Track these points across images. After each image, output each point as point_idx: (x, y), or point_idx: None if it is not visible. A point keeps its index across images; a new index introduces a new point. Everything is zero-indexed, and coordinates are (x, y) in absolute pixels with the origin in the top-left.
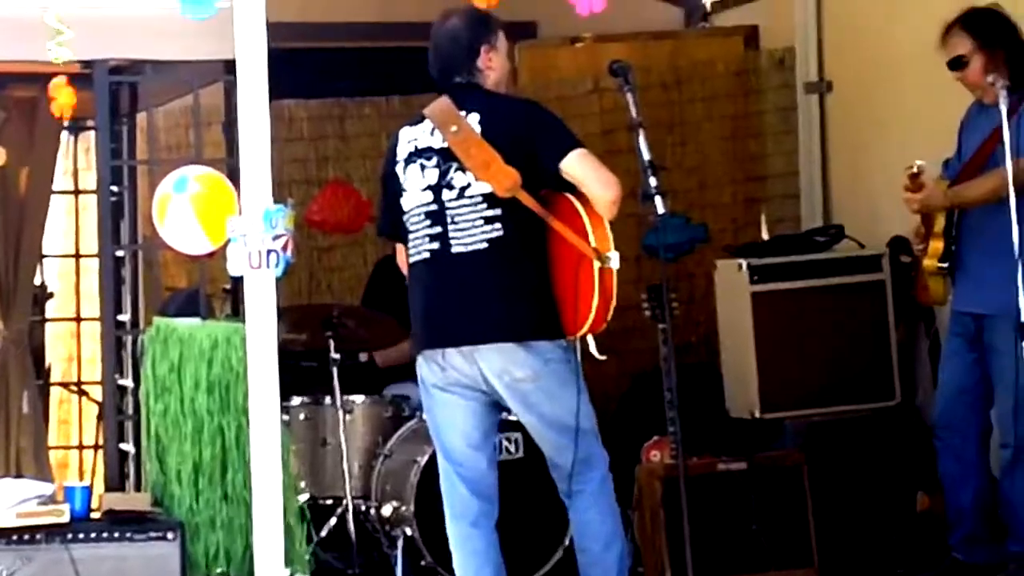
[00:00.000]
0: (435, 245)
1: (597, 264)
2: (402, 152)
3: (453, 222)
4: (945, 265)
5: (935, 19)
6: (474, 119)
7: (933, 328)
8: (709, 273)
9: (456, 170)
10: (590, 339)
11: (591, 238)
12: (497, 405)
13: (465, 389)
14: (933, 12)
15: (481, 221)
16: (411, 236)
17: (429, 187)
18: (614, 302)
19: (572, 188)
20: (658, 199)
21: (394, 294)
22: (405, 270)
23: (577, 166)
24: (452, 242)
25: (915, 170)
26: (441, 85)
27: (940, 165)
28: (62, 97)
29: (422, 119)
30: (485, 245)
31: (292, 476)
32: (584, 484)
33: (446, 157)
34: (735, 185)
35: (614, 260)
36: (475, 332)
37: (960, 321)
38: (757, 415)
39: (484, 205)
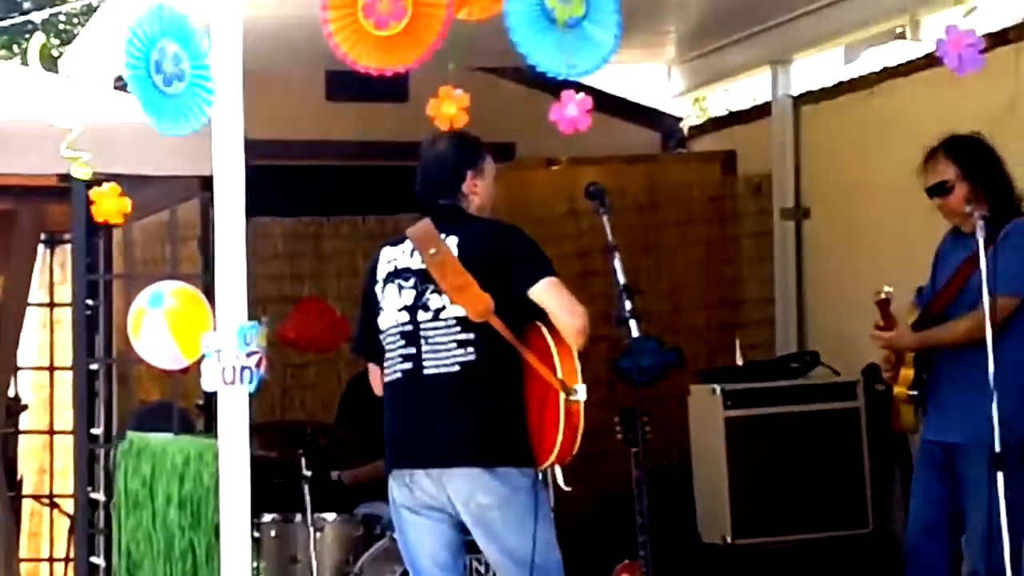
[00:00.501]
0: (408, 365)
1: (563, 396)
2: (382, 272)
3: (427, 343)
4: (915, 393)
5: (913, 146)
6: (452, 242)
7: (907, 456)
8: (682, 397)
9: (432, 292)
10: (557, 469)
11: (558, 370)
12: (465, 526)
13: (433, 511)
14: (911, 139)
15: (454, 344)
16: (387, 355)
17: (405, 307)
18: (580, 435)
19: (545, 316)
20: (632, 323)
21: (366, 412)
22: (378, 390)
23: (545, 294)
24: (425, 363)
25: (883, 296)
26: (425, 204)
27: (913, 294)
28: (107, 204)
29: (403, 239)
30: (457, 368)
31: None
32: None
33: (423, 279)
34: (710, 309)
35: (581, 393)
36: (443, 455)
37: (929, 450)
38: (729, 540)
39: (458, 328)
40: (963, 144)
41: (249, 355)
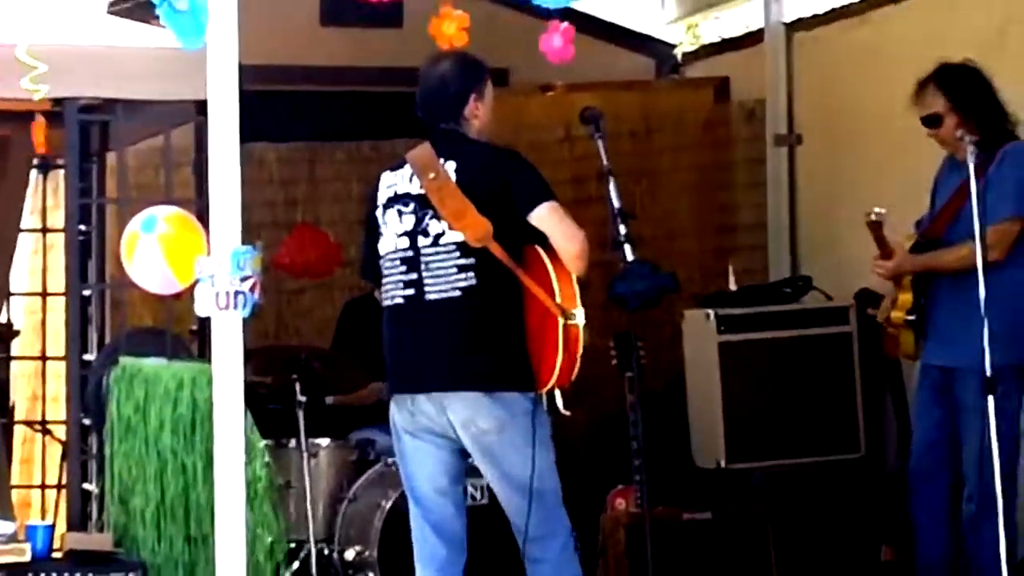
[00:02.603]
0: (409, 291)
1: (562, 320)
2: (382, 197)
3: (427, 269)
4: (912, 318)
5: (906, 72)
6: (451, 167)
7: (899, 380)
8: (676, 322)
9: (431, 217)
10: (557, 394)
11: (557, 295)
12: (466, 452)
13: (434, 436)
14: (904, 65)
15: (455, 269)
16: (386, 281)
17: (405, 233)
18: (579, 359)
19: (546, 240)
20: (627, 246)
21: (363, 337)
22: None
23: (545, 219)
24: (426, 289)
25: (873, 218)
26: (426, 127)
27: (907, 218)
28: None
29: (403, 164)
30: (458, 293)
31: (268, 513)
32: (543, 551)
33: (422, 204)
34: (703, 235)
35: (579, 317)
36: (444, 379)
37: (929, 374)
38: (723, 465)
39: (457, 254)
40: (953, 74)
41: (243, 280)
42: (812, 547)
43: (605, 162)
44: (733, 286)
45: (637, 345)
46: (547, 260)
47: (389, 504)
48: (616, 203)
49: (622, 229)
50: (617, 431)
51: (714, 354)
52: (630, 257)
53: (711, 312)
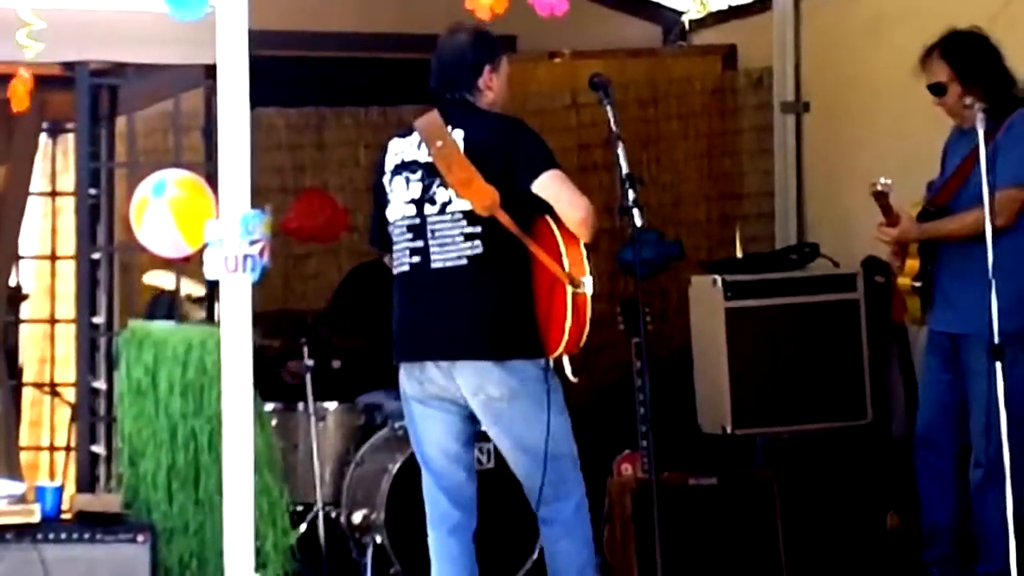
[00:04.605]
0: (416, 259)
1: (570, 288)
2: (390, 164)
3: (434, 237)
4: (919, 284)
5: (914, 40)
6: (459, 135)
7: (905, 347)
8: (682, 289)
9: (439, 185)
10: (565, 360)
11: (564, 262)
12: (475, 418)
13: (443, 402)
14: (912, 33)
15: (461, 237)
16: (394, 248)
17: (412, 200)
18: (587, 326)
19: (553, 211)
20: (635, 212)
21: (364, 303)
22: None
23: (548, 187)
24: (432, 257)
25: (879, 188)
26: (437, 96)
27: (914, 187)
28: (19, 88)
29: (411, 131)
30: (464, 262)
31: (276, 477)
32: (556, 513)
33: (430, 172)
34: (710, 203)
35: (588, 285)
36: (452, 347)
37: (936, 340)
38: (729, 431)
39: (464, 222)
40: (959, 43)
41: (252, 243)
42: (818, 513)
43: (614, 127)
44: (740, 253)
45: (644, 311)
46: (555, 229)
47: (396, 467)
48: (624, 168)
49: (630, 194)
50: (624, 397)
51: (721, 320)
52: (639, 222)
53: (718, 278)
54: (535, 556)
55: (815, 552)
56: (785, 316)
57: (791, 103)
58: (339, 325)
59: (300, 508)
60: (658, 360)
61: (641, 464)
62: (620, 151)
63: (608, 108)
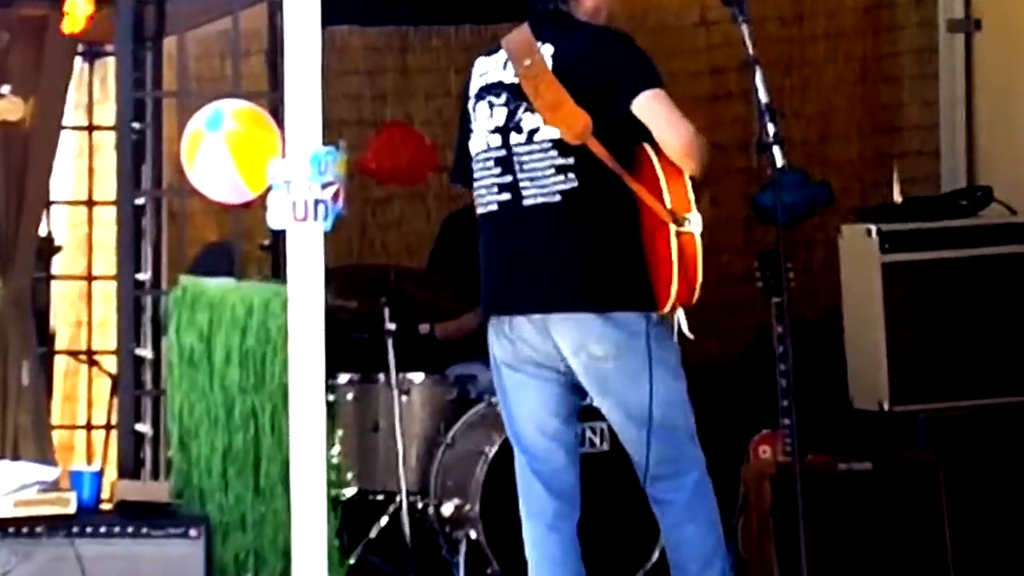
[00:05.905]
0: (505, 196)
1: (674, 228)
2: (474, 86)
3: (523, 170)
4: None
5: None
6: (548, 51)
7: None
8: (831, 240)
9: (525, 110)
10: (680, 315)
11: (666, 197)
12: (579, 388)
13: (538, 367)
14: None
15: (552, 170)
16: (478, 185)
17: (497, 129)
18: (699, 272)
19: (652, 138)
20: (776, 149)
21: (465, 256)
22: None
23: (646, 107)
24: (523, 192)
25: None
26: (530, 6)
27: None
28: (78, 8)
29: (498, 49)
30: (558, 198)
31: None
32: (673, 492)
33: (516, 95)
34: (863, 138)
35: (694, 223)
36: (547, 299)
37: None
38: (886, 407)
39: (555, 152)
40: None
41: (324, 187)
42: (989, 502)
43: (750, 50)
44: (898, 197)
45: (786, 266)
46: (655, 159)
47: (493, 451)
48: (764, 97)
49: (770, 128)
50: (761, 366)
51: (876, 277)
52: (780, 162)
53: (873, 228)
54: (655, 558)
55: (986, 548)
56: (952, 272)
57: (959, 20)
58: (427, 281)
59: (381, 497)
60: (802, 323)
61: (782, 446)
62: (758, 77)
63: (744, 27)
